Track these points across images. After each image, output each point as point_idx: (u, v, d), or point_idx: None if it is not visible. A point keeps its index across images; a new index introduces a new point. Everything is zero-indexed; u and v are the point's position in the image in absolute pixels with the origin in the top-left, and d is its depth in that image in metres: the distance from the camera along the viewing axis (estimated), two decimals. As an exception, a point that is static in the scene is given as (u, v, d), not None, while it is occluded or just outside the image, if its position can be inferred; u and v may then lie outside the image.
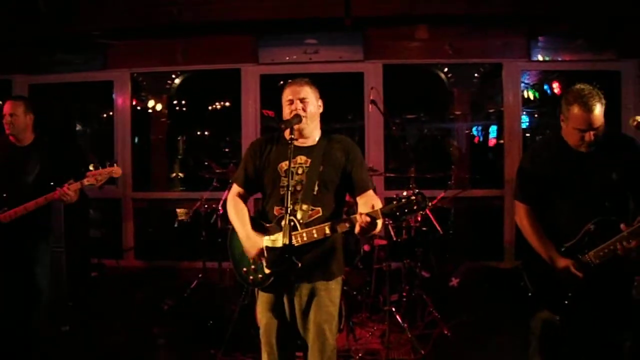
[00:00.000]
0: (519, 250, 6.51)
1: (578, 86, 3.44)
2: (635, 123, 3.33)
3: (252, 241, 3.43)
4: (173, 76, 8.17)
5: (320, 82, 3.66)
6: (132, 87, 7.76)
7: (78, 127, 10.60)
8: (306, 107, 3.47)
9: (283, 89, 3.60)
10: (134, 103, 8.00)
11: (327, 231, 3.24)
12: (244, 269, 3.54)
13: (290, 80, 3.61)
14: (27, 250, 4.90)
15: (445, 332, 5.51)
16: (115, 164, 4.70)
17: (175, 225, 6.78)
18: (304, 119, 3.43)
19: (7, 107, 4.90)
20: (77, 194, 4.73)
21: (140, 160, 7.96)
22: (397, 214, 3.04)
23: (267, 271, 3.38)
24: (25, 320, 5.02)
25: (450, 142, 8.33)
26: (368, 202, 3.34)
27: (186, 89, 8.91)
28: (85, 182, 4.63)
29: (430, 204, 5.87)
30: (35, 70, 7.75)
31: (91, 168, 4.69)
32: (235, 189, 3.70)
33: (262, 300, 3.55)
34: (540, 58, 7.21)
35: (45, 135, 5.21)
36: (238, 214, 3.60)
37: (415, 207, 3.02)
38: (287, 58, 7.34)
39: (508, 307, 5.29)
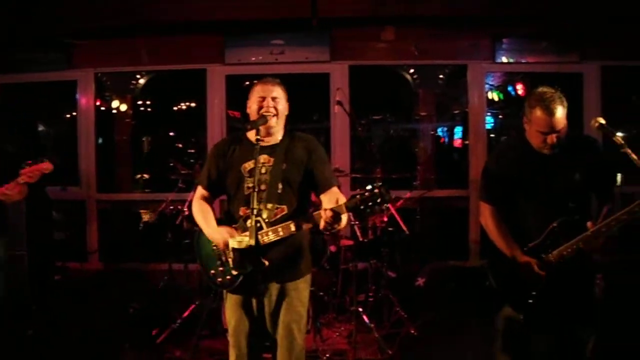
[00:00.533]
0: (484, 250, 6.57)
1: (540, 89, 3.49)
2: (597, 124, 3.39)
3: (219, 234, 3.41)
4: (138, 76, 8.09)
5: (287, 83, 3.66)
6: (96, 87, 7.66)
7: (41, 128, 10.43)
8: (277, 105, 3.47)
9: (252, 87, 3.59)
10: (98, 103, 7.91)
11: (293, 228, 3.24)
12: (212, 271, 3.52)
13: (260, 80, 3.60)
14: None
15: (412, 331, 5.55)
16: (45, 160, 4.70)
17: (141, 227, 6.70)
18: (273, 118, 3.43)
19: None
20: (21, 193, 4.76)
21: (104, 162, 7.85)
22: (362, 207, 3.02)
23: (235, 272, 3.36)
24: None
25: (416, 143, 8.38)
26: (332, 199, 3.33)
27: (151, 89, 8.84)
28: (20, 180, 4.64)
29: (396, 204, 5.93)
30: (-2, 71, 7.62)
31: (24, 166, 4.66)
32: (200, 191, 3.68)
33: (231, 302, 3.53)
34: (504, 60, 7.29)
35: None
36: (203, 213, 3.58)
37: (379, 200, 2.99)
38: (254, 59, 7.32)
39: (473, 306, 5.35)
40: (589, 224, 3.29)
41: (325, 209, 3.11)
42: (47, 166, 4.69)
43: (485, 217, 3.75)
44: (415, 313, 5.83)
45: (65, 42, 7.42)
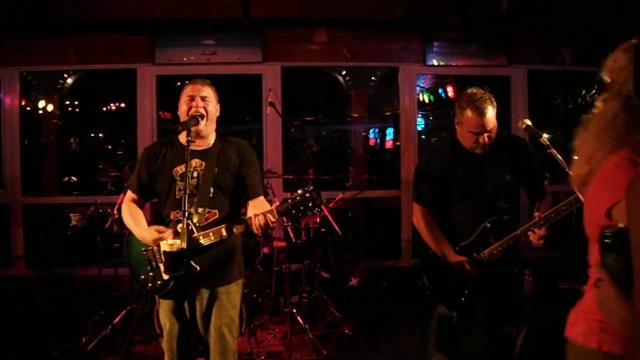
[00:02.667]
0: (416, 249, 6.68)
1: (470, 90, 3.57)
2: (524, 126, 3.49)
3: (149, 233, 3.36)
4: (65, 75, 7.87)
5: (219, 84, 3.64)
6: (20, 86, 7.42)
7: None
8: (207, 105, 3.44)
9: (183, 88, 3.55)
10: (23, 103, 7.67)
11: (224, 232, 3.23)
12: (142, 277, 3.46)
13: (190, 80, 3.57)
14: None
15: (346, 331, 5.58)
16: None
17: (69, 232, 6.53)
18: (203, 120, 3.39)
19: None
20: None
21: (30, 164, 7.62)
22: (293, 212, 3.06)
23: (165, 277, 3.31)
24: None
25: (348, 144, 8.44)
26: (258, 207, 3.35)
27: (79, 89, 8.62)
28: None
29: (329, 205, 5.96)
30: None
31: None
32: (130, 195, 3.62)
33: (164, 306, 3.49)
34: (435, 63, 7.42)
35: None
36: (132, 216, 3.52)
37: (310, 204, 3.04)
38: (185, 59, 7.23)
39: (407, 305, 5.42)
40: (536, 214, 3.37)
41: (256, 215, 3.11)
42: None
43: (417, 217, 3.80)
44: (349, 313, 5.87)
45: (-13, 40, 7.17)
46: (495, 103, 3.52)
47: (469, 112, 3.48)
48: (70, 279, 7.12)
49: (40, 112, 7.92)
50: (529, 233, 3.37)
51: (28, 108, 8.07)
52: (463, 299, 3.62)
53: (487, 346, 3.76)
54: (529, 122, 3.49)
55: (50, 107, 7.90)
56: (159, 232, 3.33)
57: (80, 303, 6.29)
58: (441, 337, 3.82)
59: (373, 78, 7.84)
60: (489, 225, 3.56)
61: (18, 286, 7.02)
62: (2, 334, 5.74)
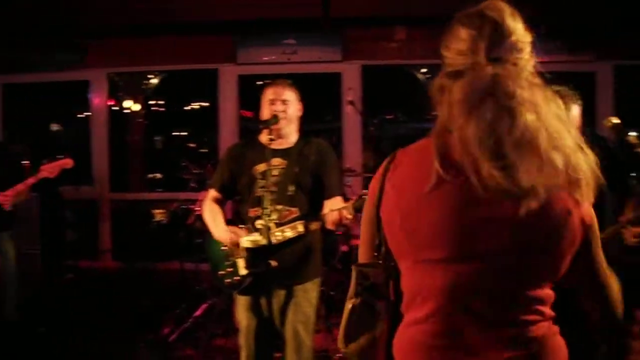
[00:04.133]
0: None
1: (554, 88, 3.47)
2: (610, 124, 3.38)
3: (227, 233, 3.42)
4: (150, 76, 8.13)
5: (299, 83, 3.66)
6: (108, 87, 7.70)
7: (55, 127, 10.50)
8: (287, 109, 3.46)
9: (264, 89, 3.59)
10: (110, 103, 7.94)
11: (300, 228, 3.25)
12: (221, 272, 3.53)
13: (271, 81, 3.60)
14: None
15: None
16: (66, 157, 5.00)
17: (153, 226, 6.73)
18: (283, 121, 3.43)
19: None
20: (24, 193, 5.13)
21: (117, 161, 7.89)
22: None
23: (243, 273, 3.37)
24: None
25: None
26: (334, 207, 3.34)
27: (164, 89, 8.87)
28: (40, 176, 4.92)
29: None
30: (10, 70, 7.66)
31: (44, 162, 4.92)
32: (212, 193, 3.69)
33: (241, 302, 3.53)
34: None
35: None
36: (212, 214, 3.59)
37: None
38: (266, 58, 7.33)
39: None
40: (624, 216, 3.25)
41: (332, 210, 3.13)
42: (67, 162, 4.92)
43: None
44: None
45: (78, 43, 7.46)
46: (580, 101, 3.43)
47: (553, 110, 3.40)
48: (153, 272, 7.33)
49: (127, 111, 8.20)
50: (623, 231, 3.25)
51: (115, 108, 8.35)
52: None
53: (576, 354, 3.65)
54: (615, 120, 3.38)
55: (136, 107, 8.18)
56: (238, 234, 3.38)
57: (163, 296, 6.46)
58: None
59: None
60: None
61: (105, 278, 7.27)
62: (89, 324, 5.98)
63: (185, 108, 11.60)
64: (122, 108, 8.29)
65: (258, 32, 7.29)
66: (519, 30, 1.57)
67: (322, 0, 6.63)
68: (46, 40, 7.42)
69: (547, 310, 1.50)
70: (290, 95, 3.52)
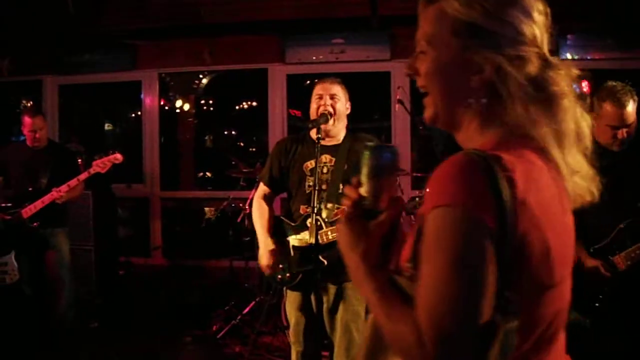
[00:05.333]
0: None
1: (610, 83, 3.42)
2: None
3: (264, 243, 3.46)
4: (200, 76, 8.22)
5: (347, 82, 3.67)
6: (160, 87, 7.81)
7: (107, 127, 10.73)
8: (335, 104, 3.47)
9: (313, 86, 3.60)
10: (161, 103, 8.07)
11: None
12: (272, 269, 3.56)
13: (320, 79, 3.62)
14: (44, 236, 5.31)
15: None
16: (116, 152, 5.17)
17: (203, 224, 6.82)
18: (331, 119, 3.43)
19: (32, 123, 5.29)
20: (78, 189, 5.29)
21: (168, 160, 8.01)
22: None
23: (294, 270, 3.39)
24: (50, 308, 5.43)
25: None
26: None
27: (213, 88, 8.97)
28: (92, 171, 5.08)
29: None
30: (65, 71, 7.84)
31: (96, 158, 5.05)
32: (262, 188, 3.72)
33: (291, 299, 3.56)
34: (569, 56, 7.12)
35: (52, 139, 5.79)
36: (261, 216, 3.62)
37: None
38: (314, 58, 7.34)
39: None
40: None
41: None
42: (117, 156, 5.06)
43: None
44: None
45: (129, 44, 7.59)
46: (636, 97, 3.36)
47: (608, 105, 3.34)
48: (203, 269, 7.41)
49: (178, 111, 8.32)
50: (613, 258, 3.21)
51: (166, 107, 8.48)
52: (597, 304, 3.46)
53: (623, 355, 3.58)
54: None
55: (186, 107, 8.28)
56: (269, 263, 3.42)
57: (212, 293, 6.54)
58: (573, 344, 3.67)
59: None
60: (624, 227, 3.38)
61: (155, 275, 7.38)
62: (140, 319, 6.09)
63: (235, 107, 11.71)
64: (173, 107, 8.41)
65: (306, 32, 7.31)
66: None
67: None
68: (99, 42, 7.57)
69: None
70: (339, 91, 3.52)
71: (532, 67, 1.23)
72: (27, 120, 5.22)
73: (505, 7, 1.24)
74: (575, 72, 1.32)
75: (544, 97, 1.23)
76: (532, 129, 1.22)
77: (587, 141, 1.36)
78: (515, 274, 1.10)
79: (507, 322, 1.09)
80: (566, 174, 1.29)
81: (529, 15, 1.26)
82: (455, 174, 1.13)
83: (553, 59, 1.28)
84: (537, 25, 1.27)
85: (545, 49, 1.28)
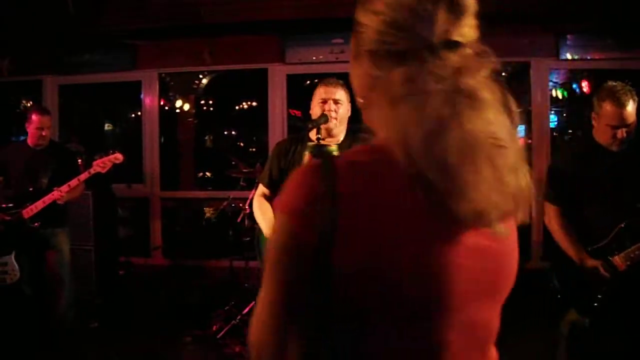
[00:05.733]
0: (547, 251, 6.45)
1: (610, 83, 3.43)
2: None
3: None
4: (200, 76, 8.23)
5: (347, 82, 3.65)
6: (160, 87, 7.81)
7: (107, 127, 10.73)
8: (339, 109, 3.47)
9: (316, 87, 3.60)
10: (161, 103, 8.07)
11: None
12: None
13: (323, 80, 3.61)
14: (45, 236, 5.30)
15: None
16: (117, 152, 5.18)
17: (203, 224, 6.82)
18: (333, 121, 3.43)
19: (41, 121, 5.27)
20: (78, 189, 5.28)
21: (168, 160, 8.01)
22: None
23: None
24: (50, 308, 5.41)
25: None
26: None
27: (213, 88, 8.98)
28: (92, 171, 5.09)
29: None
30: (65, 71, 7.85)
31: (96, 158, 5.06)
32: (261, 189, 3.73)
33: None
34: (569, 57, 7.13)
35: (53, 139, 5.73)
36: (263, 214, 3.62)
37: None
38: (314, 58, 7.34)
39: (535, 308, 5.25)
40: None
41: None
42: (118, 156, 5.08)
43: (550, 217, 3.68)
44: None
45: (129, 44, 7.60)
46: (636, 97, 3.37)
47: (608, 105, 3.35)
48: (203, 269, 7.42)
49: (178, 111, 8.32)
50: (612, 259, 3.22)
51: (166, 107, 8.48)
52: (596, 304, 3.47)
53: (623, 355, 3.58)
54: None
55: (186, 107, 8.29)
56: None
57: (212, 293, 6.54)
58: (572, 343, 3.69)
59: (503, 74, 7.60)
60: (624, 227, 3.39)
61: (156, 274, 7.38)
62: (140, 319, 6.10)
63: (235, 107, 11.72)
64: (173, 107, 8.41)
65: (306, 32, 7.31)
66: (473, 8, 1.18)
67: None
68: (99, 42, 7.58)
69: None
70: (342, 95, 3.52)
71: (403, 61, 1.08)
72: (35, 117, 5.21)
73: None
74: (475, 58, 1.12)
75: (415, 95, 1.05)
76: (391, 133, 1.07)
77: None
78: (336, 294, 1.04)
79: (314, 340, 1.07)
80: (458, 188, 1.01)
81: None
82: (295, 181, 1.09)
83: (443, 48, 1.09)
84: (406, 8, 1.10)
85: (433, 35, 1.09)
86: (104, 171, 5.13)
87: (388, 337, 1.06)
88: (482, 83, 1.07)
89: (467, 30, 1.13)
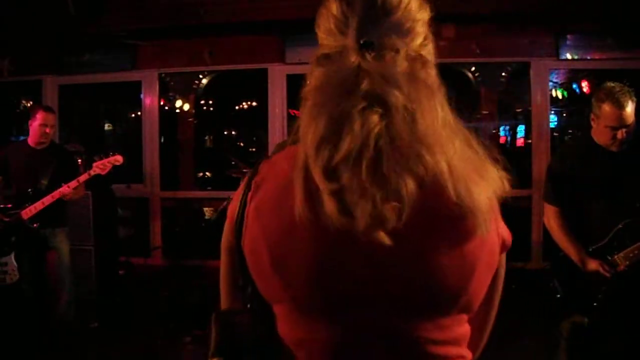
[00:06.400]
0: (547, 251, 6.45)
1: (609, 84, 3.43)
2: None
3: None
4: (200, 76, 8.23)
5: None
6: (159, 87, 7.82)
7: (107, 127, 10.74)
8: None
9: None
10: (161, 103, 8.07)
11: None
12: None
13: None
14: (44, 236, 5.32)
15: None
16: (116, 153, 5.16)
17: (203, 224, 6.81)
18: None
19: (45, 117, 5.27)
20: (79, 190, 5.25)
21: (168, 160, 8.01)
22: None
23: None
24: (50, 308, 5.44)
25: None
26: None
27: (213, 88, 8.98)
28: (92, 172, 5.08)
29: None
30: (65, 71, 7.85)
31: (96, 159, 5.05)
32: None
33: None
34: (568, 57, 7.13)
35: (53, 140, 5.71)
36: None
37: None
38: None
39: (535, 308, 5.25)
40: None
41: None
42: (118, 158, 5.08)
43: (549, 218, 3.68)
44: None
45: (129, 44, 7.60)
46: (634, 98, 3.37)
47: (607, 106, 3.35)
48: (203, 269, 7.41)
49: (177, 111, 8.32)
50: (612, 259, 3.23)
51: (166, 107, 8.48)
52: (596, 303, 3.47)
53: (623, 355, 3.59)
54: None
55: (186, 106, 8.28)
56: None
57: (212, 293, 6.52)
58: (572, 343, 3.68)
59: (503, 74, 7.63)
60: (623, 227, 3.39)
61: (156, 274, 7.38)
62: (139, 319, 6.09)
63: (235, 107, 11.73)
64: (173, 107, 8.41)
65: (306, 32, 7.27)
66: (407, 5, 1.17)
67: None
68: (99, 42, 7.58)
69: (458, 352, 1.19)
70: None
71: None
72: (40, 114, 5.21)
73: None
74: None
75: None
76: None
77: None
78: (251, 276, 1.19)
79: (238, 314, 1.28)
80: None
81: (327, 11, 1.18)
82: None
83: (358, 49, 1.08)
84: (334, 17, 1.15)
85: (350, 38, 1.11)
86: (103, 173, 5.13)
87: (291, 324, 1.15)
88: (398, 83, 1.04)
89: (390, 29, 1.11)
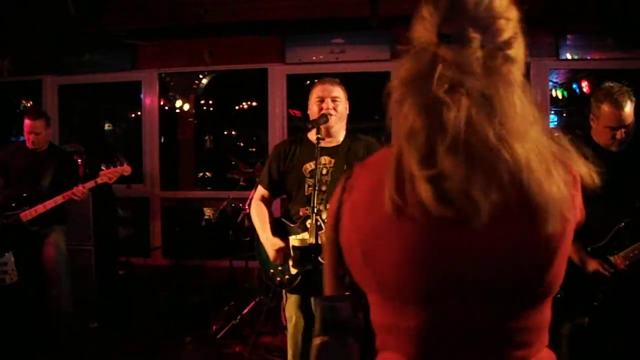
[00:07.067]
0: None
1: (608, 84, 3.43)
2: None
3: (271, 242, 3.45)
4: (200, 76, 8.22)
5: (347, 82, 3.67)
6: (159, 87, 7.81)
7: (107, 127, 10.74)
8: (337, 106, 3.47)
9: (312, 87, 3.60)
10: (161, 103, 8.06)
11: None
12: (271, 271, 3.56)
13: (319, 79, 3.61)
14: (42, 234, 5.28)
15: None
16: (125, 163, 5.11)
17: (203, 224, 6.81)
18: (332, 118, 3.43)
19: (31, 125, 5.24)
20: (85, 193, 5.13)
21: (168, 160, 8.01)
22: None
23: (293, 272, 3.39)
24: (48, 305, 5.36)
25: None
26: None
27: (213, 88, 8.99)
28: (99, 180, 5.04)
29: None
30: (65, 71, 7.84)
31: (103, 167, 5.05)
32: (260, 191, 3.73)
33: (291, 300, 3.56)
34: (568, 57, 7.12)
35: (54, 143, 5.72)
36: (259, 216, 3.63)
37: None
38: (314, 58, 7.33)
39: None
40: None
41: None
42: (126, 169, 5.06)
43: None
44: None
45: (129, 44, 7.59)
46: (633, 98, 3.37)
47: (606, 106, 3.35)
48: (203, 269, 7.42)
49: (177, 111, 8.31)
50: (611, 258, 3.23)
51: (166, 107, 8.47)
52: (596, 303, 3.47)
53: (623, 355, 3.58)
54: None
55: (186, 107, 8.27)
56: (278, 250, 3.42)
57: (212, 293, 6.54)
58: (573, 343, 3.68)
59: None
60: (623, 226, 3.39)
61: (156, 274, 7.38)
62: (140, 319, 6.10)
63: (235, 107, 11.72)
64: (173, 107, 8.40)
65: (306, 32, 7.30)
66: (490, 2, 1.19)
67: (370, 0, 6.61)
68: (100, 43, 7.58)
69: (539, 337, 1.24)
70: (339, 93, 3.52)
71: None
72: (26, 122, 5.18)
73: None
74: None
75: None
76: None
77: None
78: (348, 268, 1.31)
79: (336, 300, 1.34)
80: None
81: (419, 17, 1.25)
82: None
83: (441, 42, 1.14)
84: (425, 19, 1.22)
85: (432, 32, 1.17)
86: (110, 182, 5.10)
87: (381, 311, 1.25)
88: (474, 73, 1.09)
89: (470, 23, 1.14)
